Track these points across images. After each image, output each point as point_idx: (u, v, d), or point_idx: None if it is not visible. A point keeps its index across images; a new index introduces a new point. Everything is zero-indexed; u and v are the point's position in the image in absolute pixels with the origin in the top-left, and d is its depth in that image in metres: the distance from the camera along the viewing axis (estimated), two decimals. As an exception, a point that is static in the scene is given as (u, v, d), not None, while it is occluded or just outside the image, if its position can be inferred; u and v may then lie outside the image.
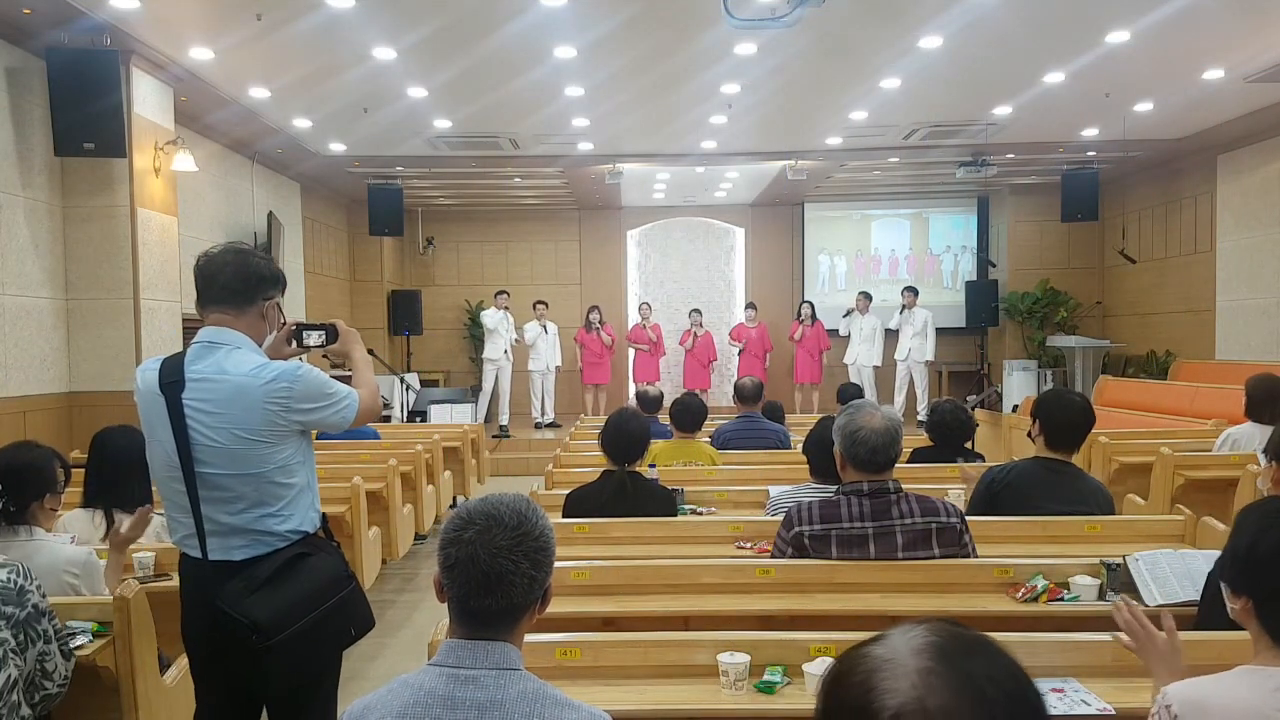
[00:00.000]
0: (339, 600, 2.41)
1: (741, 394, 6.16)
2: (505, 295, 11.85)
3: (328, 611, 2.37)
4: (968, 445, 4.94)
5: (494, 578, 1.46)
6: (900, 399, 11.96)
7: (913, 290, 12.04)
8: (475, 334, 13.28)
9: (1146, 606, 2.64)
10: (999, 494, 3.48)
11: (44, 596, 2.33)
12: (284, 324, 2.61)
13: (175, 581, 3.25)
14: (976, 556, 2.86)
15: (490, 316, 11.76)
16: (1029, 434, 3.57)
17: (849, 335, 12.39)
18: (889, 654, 0.81)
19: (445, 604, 1.52)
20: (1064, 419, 3.41)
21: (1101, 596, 2.69)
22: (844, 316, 12.50)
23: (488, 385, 11.75)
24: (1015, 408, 10.32)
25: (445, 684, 1.43)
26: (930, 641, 0.81)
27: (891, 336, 12.21)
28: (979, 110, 9.01)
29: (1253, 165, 9.83)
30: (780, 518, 2.96)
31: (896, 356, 12.02)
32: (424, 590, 5.99)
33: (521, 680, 1.44)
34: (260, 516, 2.36)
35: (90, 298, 6.77)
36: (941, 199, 13.84)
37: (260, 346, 2.48)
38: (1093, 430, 6.04)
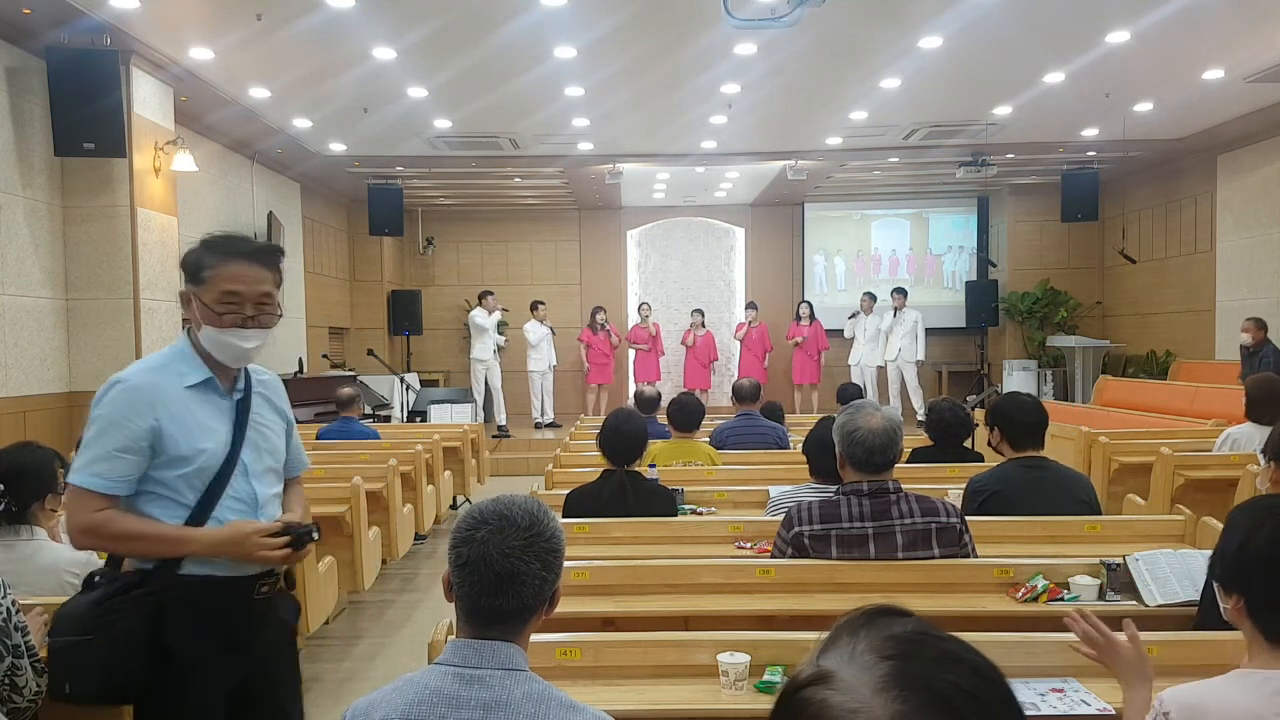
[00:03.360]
0: (64, 641, 2.14)
1: (739, 394, 6.20)
2: (493, 296, 11.75)
3: (58, 644, 2.15)
4: (967, 444, 4.94)
5: (506, 578, 1.46)
6: (895, 400, 11.95)
7: (901, 291, 12.03)
8: (474, 334, 13.29)
9: (1146, 607, 2.65)
10: (987, 501, 3.49)
11: (17, 610, 2.28)
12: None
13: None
14: (976, 556, 2.86)
15: (483, 317, 11.62)
16: (989, 442, 3.67)
17: (853, 338, 12.39)
18: (851, 701, 0.71)
19: (453, 603, 1.52)
20: (1025, 420, 3.52)
21: (1101, 596, 2.69)
22: (850, 319, 12.50)
23: (479, 386, 11.68)
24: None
25: (451, 683, 1.43)
26: (888, 671, 0.72)
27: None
28: (979, 110, 9.01)
29: (1253, 165, 9.83)
30: (780, 518, 2.96)
31: (886, 357, 12.03)
32: (424, 590, 5.99)
33: (528, 681, 1.45)
34: None
35: (90, 298, 6.77)
36: (941, 199, 13.84)
37: (197, 334, 2.22)
38: (1093, 430, 6.09)
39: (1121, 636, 1.82)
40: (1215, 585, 1.70)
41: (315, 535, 2.24)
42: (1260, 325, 8.39)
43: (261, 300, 2.19)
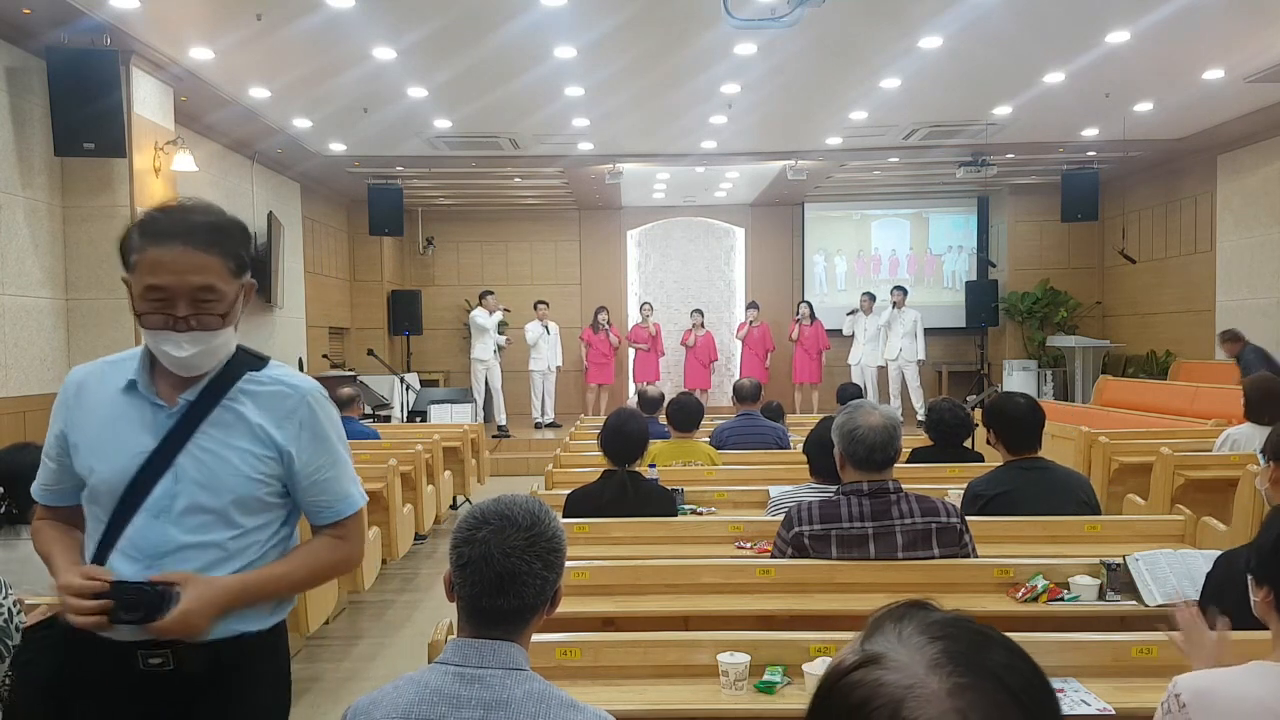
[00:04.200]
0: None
1: (740, 393, 6.22)
2: (493, 296, 11.72)
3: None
4: (967, 444, 4.94)
5: (507, 577, 1.46)
6: (895, 400, 11.96)
7: (901, 290, 12.03)
8: (474, 334, 13.28)
9: (1146, 607, 2.65)
10: (989, 505, 3.49)
11: (19, 611, 2.28)
12: None
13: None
14: (976, 556, 2.86)
15: (484, 317, 11.58)
16: (988, 441, 3.67)
17: (853, 335, 12.41)
18: (905, 678, 0.73)
19: (454, 603, 1.53)
20: (1021, 420, 3.53)
21: (1101, 596, 2.69)
22: (849, 315, 12.53)
23: (479, 386, 11.66)
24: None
25: (452, 682, 1.43)
26: (940, 650, 0.75)
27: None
28: (979, 110, 9.01)
29: (1253, 165, 9.83)
30: (780, 518, 2.96)
31: (887, 356, 12.04)
32: (424, 590, 5.99)
33: (528, 680, 1.45)
34: None
35: (90, 298, 6.77)
36: (941, 199, 13.84)
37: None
38: (1093, 430, 6.08)
39: (1211, 634, 1.87)
40: (1248, 577, 1.73)
41: (145, 615, 1.61)
42: (1227, 337, 8.70)
43: (200, 296, 1.66)
